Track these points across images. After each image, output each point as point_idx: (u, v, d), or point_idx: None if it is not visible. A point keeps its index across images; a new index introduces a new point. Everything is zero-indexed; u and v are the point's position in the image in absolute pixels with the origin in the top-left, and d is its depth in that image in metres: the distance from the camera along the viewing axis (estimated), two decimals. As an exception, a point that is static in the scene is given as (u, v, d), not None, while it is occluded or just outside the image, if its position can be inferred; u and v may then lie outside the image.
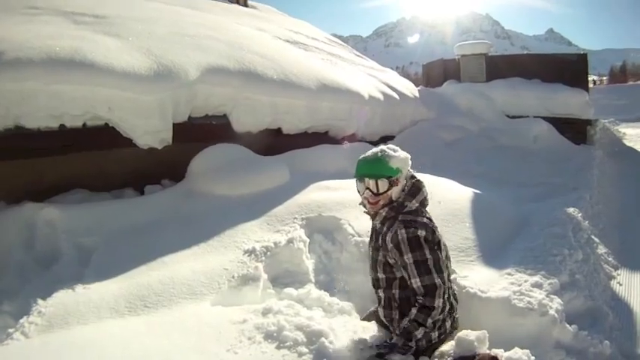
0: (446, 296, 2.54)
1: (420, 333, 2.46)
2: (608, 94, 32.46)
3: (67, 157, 4.59)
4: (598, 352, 3.09)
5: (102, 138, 4.68)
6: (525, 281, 3.40)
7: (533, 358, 2.69)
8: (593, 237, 5.00)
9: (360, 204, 2.81)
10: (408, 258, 2.48)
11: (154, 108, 4.77)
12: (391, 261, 2.61)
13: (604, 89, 39.00)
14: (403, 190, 2.68)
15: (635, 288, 4.51)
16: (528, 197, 6.17)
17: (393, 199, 2.64)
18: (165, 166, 5.22)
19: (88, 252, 3.77)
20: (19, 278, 3.46)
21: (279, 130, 6.58)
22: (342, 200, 4.33)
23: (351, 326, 2.87)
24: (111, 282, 3.32)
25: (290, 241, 3.79)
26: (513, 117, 11.71)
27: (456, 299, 2.86)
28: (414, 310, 2.48)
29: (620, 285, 4.53)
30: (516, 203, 5.62)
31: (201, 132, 5.64)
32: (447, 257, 2.83)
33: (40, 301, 3.01)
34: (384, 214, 2.65)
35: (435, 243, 2.61)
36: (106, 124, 4.61)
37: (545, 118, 11.40)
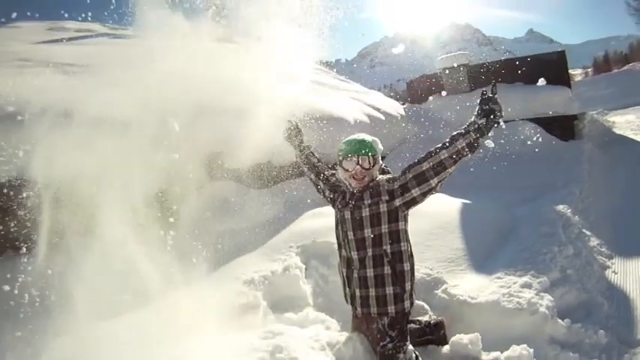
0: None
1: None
2: (593, 85, 32.75)
3: None
4: (594, 343, 3.19)
5: None
6: (514, 283, 3.51)
7: (531, 350, 2.83)
8: (584, 230, 5.10)
9: (337, 181, 3.13)
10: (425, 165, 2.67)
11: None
12: (384, 208, 2.76)
13: (589, 81, 39.24)
14: None
15: (630, 274, 4.55)
16: (518, 200, 6.28)
17: (374, 177, 2.87)
18: None
19: (94, 293, 3.81)
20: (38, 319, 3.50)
21: (269, 163, 6.72)
22: (333, 225, 4.44)
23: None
24: (117, 321, 3.41)
25: (286, 268, 3.95)
26: (499, 122, 11.82)
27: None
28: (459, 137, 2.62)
29: (616, 273, 4.58)
30: (506, 207, 5.73)
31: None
32: None
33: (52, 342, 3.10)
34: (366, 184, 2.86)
35: None
36: None
37: (532, 120, 11.54)
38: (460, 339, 2.83)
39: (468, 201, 5.36)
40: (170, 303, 3.66)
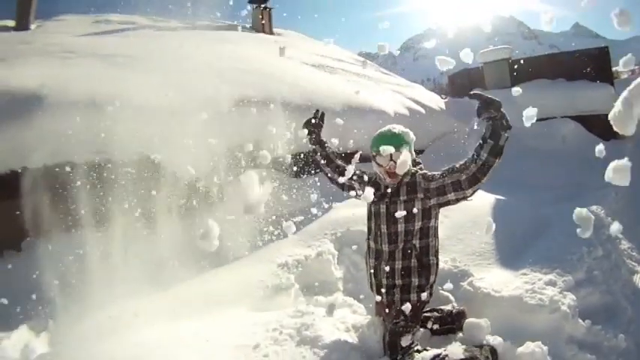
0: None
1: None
2: (642, 83, 31.60)
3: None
4: (612, 346, 3.24)
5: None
6: (539, 280, 3.60)
7: (545, 348, 2.90)
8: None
9: (372, 175, 3.23)
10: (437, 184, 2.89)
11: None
12: (418, 205, 2.90)
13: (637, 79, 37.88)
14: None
15: None
16: (553, 199, 6.30)
17: (408, 169, 2.93)
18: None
19: (140, 269, 4.11)
20: (76, 296, 3.78)
21: (308, 153, 6.92)
22: (367, 217, 4.61)
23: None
24: (161, 296, 3.71)
25: (319, 253, 4.17)
26: (540, 119, 11.66)
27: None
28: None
29: None
30: (541, 206, 5.75)
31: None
32: None
33: (96, 313, 3.40)
34: (403, 179, 2.98)
35: None
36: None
37: (573, 117, 11.36)
38: (475, 321, 3.00)
39: (501, 197, 5.45)
40: (210, 280, 3.94)
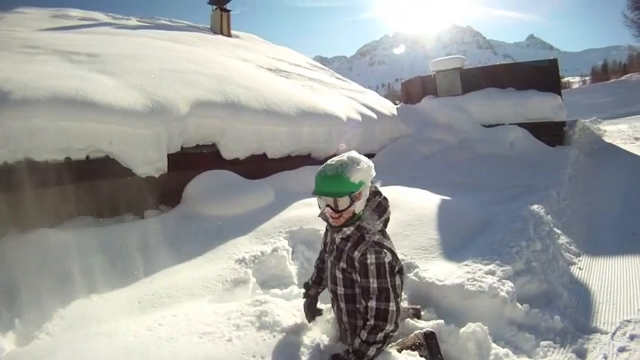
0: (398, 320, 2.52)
1: (372, 351, 2.45)
2: (590, 93, 33.11)
3: (74, 186, 5.03)
4: (549, 327, 3.54)
5: (104, 169, 5.18)
6: (480, 270, 3.86)
7: (486, 328, 3.12)
8: (555, 229, 5.44)
9: (319, 216, 2.71)
10: (373, 282, 2.45)
11: (150, 140, 5.33)
12: (354, 276, 2.58)
13: (586, 89, 39.76)
14: (367, 203, 2.63)
15: (594, 272, 4.87)
16: (499, 199, 6.57)
17: (356, 212, 2.56)
18: (162, 193, 5.74)
19: (99, 268, 4.22)
20: (37, 294, 3.85)
21: (264, 155, 7.11)
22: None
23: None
24: (121, 291, 3.82)
25: (275, 249, 4.34)
26: (490, 126, 12.15)
27: None
28: (364, 333, 2.45)
29: (581, 269, 4.91)
30: (487, 206, 6.04)
31: (193, 160, 6.18)
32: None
33: (59, 309, 3.48)
34: (348, 232, 2.60)
35: (397, 267, 2.60)
36: (107, 156, 5.13)
37: (521, 124, 11.91)
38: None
39: (447, 197, 5.73)
40: (171, 275, 4.06)
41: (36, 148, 4.61)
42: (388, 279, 2.45)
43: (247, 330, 2.96)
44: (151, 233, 4.88)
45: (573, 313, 3.86)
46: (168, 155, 5.57)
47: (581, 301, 4.18)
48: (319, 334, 2.97)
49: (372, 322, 2.44)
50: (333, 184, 2.46)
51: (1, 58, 5.69)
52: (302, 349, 2.76)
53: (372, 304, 2.44)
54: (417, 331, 2.95)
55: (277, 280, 4.13)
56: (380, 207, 2.65)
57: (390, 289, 2.45)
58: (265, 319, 3.01)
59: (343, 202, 2.48)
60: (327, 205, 2.54)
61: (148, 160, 5.32)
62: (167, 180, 5.61)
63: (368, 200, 2.62)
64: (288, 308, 3.23)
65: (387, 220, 2.70)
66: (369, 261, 2.46)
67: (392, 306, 2.43)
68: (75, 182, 4.99)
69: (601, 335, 3.55)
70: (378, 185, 2.77)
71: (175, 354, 2.74)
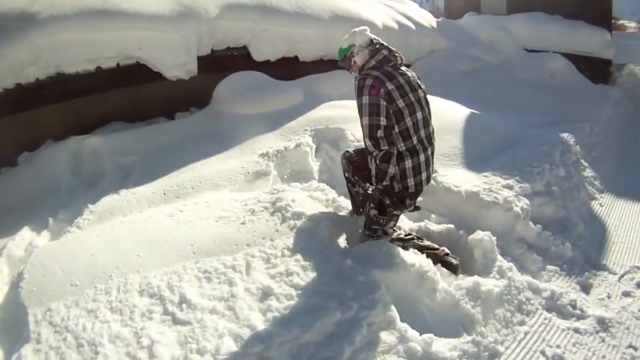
0: (400, 146, 2.90)
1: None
2: (645, 41, 31.03)
3: (105, 94, 5.21)
4: (559, 253, 3.53)
5: (134, 75, 5.28)
6: (497, 182, 3.88)
7: (494, 238, 3.17)
8: (582, 161, 5.34)
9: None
10: (359, 101, 2.91)
11: (180, 44, 5.39)
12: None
13: (640, 35, 37.14)
14: (374, 55, 3.02)
15: (614, 211, 4.80)
16: (531, 123, 6.37)
17: (359, 64, 3.06)
18: (192, 95, 5.85)
19: (128, 168, 4.46)
20: (71, 196, 4.13)
21: (296, 58, 7.03)
22: (347, 115, 4.76)
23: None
24: (149, 185, 4.00)
25: (298, 145, 4.40)
26: (532, 51, 11.55)
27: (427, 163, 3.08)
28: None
29: (601, 206, 4.84)
30: (517, 127, 5.85)
31: (223, 63, 6.19)
32: (407, 108, 2.94)
33: (90, 205, 3.72)
34: (358, 77, 3.05)
35: (383, 91, 2.85)
36: (137, 62, 5.22)
37: (565, 55, 11.23)
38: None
39: (477, 112, 5.64)
40: (197, 168, 4.22)
41: (65, 61, 4.72)
42: (364, 97, 2.87)
43: (261, 214, 3.13)
44: (180, 132, 5.03)
45: (585, 246, 3.83)
46: (198, 58, 5.62)
47: (595, 236, 4.14)
48: (330, 221, 3.08)
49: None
50: (338, 53, 3.22)
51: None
52: (309, 233, 2.92)
53: (361, 121, 2.93)
54: (443, 248, 3.17)
55: (298, 174, 4.23)
56: (374, 50, 3.05)
57: (367, 105, 2.86)
58: (279, 205, 3.17)
59: (344, 63, 3.19)
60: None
61: (178, 63, 5.41)
62: (198, 82, 5.69)
63: (375, 53, 3.03)
64: (303, 198, 3.33)
65: (383, 59, 3.02)
66: (355, 85, 3.01)
67: (365, 120, 2.87)
68: (106, 90, 5.15)
69: (608, 274, 3.54)
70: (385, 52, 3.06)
71: (191, 235, 2.97)
